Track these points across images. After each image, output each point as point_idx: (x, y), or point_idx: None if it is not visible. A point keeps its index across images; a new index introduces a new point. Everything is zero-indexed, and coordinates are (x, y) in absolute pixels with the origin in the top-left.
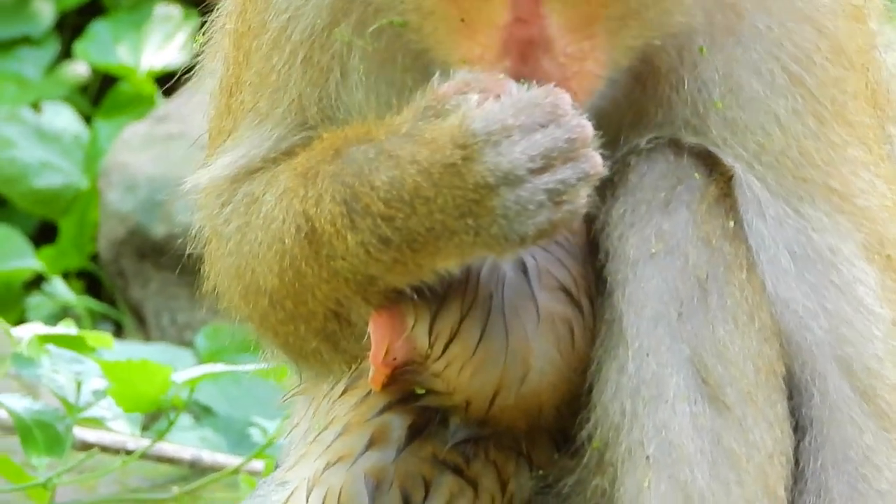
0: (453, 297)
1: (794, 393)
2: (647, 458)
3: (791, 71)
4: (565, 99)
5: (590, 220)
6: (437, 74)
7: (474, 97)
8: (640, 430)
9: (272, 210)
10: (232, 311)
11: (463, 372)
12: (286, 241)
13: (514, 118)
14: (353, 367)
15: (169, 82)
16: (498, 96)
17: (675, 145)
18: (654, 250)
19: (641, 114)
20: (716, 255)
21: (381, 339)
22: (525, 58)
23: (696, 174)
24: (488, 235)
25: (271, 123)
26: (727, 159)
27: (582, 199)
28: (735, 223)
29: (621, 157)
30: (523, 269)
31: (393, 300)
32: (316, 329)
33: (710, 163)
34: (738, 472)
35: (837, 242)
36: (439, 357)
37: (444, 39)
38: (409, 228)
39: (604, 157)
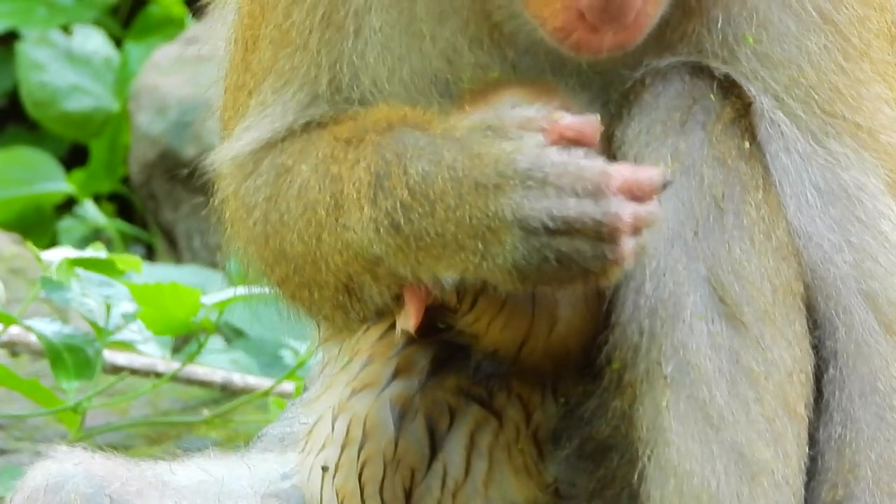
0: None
1: (819, 326)
2: (666, 377)
3: (821, 8)
4: (617, 182)
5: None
6: (510, 97)
7: (540, 138)
8: (658, 350)
9: (308, 180)
10: (253, 273)
11: (492, 326)
12: (318, 209)
13: (557, 176)
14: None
15: (199, 4)
16: (561, 147)
17: (692, 66)
18: (670, 170)
19: (667, 44)
20: (731, 174)
21: (412, 301)
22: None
23: (712, 95)
24: (493, 264)
25: (294, 87)
26: (751, 90)
27: (600, 276)
28: (751, 144)
29: (639, 77)
30: None
31: (404, 283)
32: (328, 298)
33: (726, 84)
34: (757, 391)
35: (863, 178)
36: (468, 312)
37: None
38: (422, 225)
39: (622, 77)
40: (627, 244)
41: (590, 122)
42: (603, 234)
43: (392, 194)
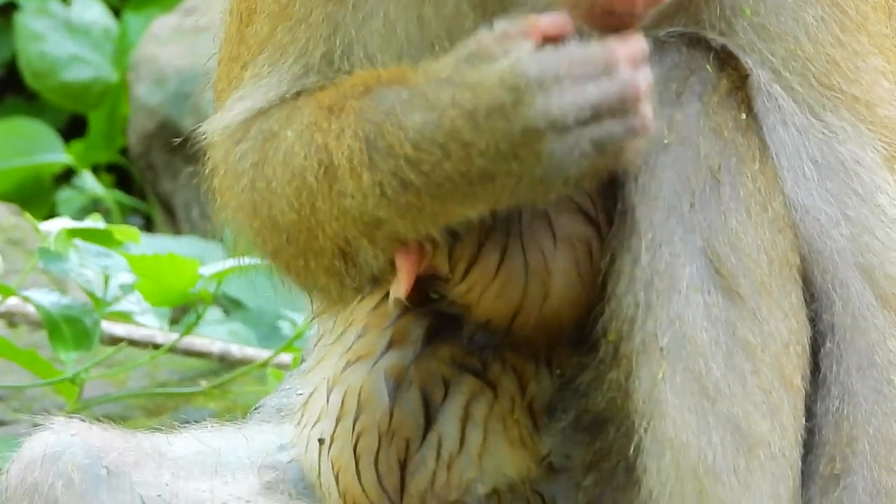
0: (471, 223)
1: (816, 299)
2: (661, 349)
3: None
4: (622, 53)
5: None
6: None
7: (528, 43)
8: (654, 322)
9: (293, 146)
10: (244, 245)
11: (484, 296)
12: (306, 176)
13: (567, 69)
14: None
15: None
16: (553, 44)
17: (689, 38)
18: (666, 141)
19: (664, 15)
20: (728, 146)
21: (404, 267)
22: None
23: (708, 66)
24: (531, 178)
25: (291, 59)
26: (748, 62)
27: (628, 151)
28: (747, 116)
29: None
30: None
31: (402, 244)
32: (324, 266)
33: (723, 56)
34: (753, 363)
35: (860, 151)
36: (460, 281)
37: None
38: (437, 173)
39: None
40: (649, 109)
41: (561, 17)
42: (627, 107)
43: (391, 153)
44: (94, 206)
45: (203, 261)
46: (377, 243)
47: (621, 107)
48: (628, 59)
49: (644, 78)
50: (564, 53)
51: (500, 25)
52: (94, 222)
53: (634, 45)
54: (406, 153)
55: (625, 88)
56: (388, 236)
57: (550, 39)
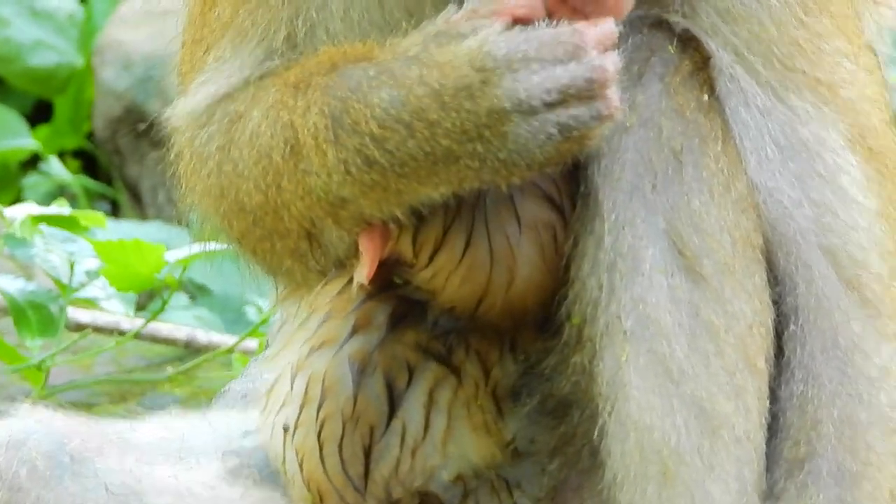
0: (436, 208)
1: (779, 282)
2: (625, 332)
3: None
4: (590, 37)
5: None
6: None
7: (497, 24)
8: (618, 305)
9: (259, 125)
10: (210, 229)
11: (449, 282)
12: (273, 156)
13: (536, 50)
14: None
15: None
16: (523, 26)
17: (652, 20)
18: (628, 123)
19: None
20: (690, 127)
21: (367, 250)
22: None
23: (670, 47)
24: (495, 161)
25: (253, 43)
26: (711, 45)
27: (593, 137)
28: (709, 96)
29: None
30: None
31: (366, 225)
32: (290, 248)
33: (685, 38)
34: (717, 344)
35: (822, 133)
36: (425, 267)
37: None
38: (402, 151)
39: None
40: (616, 94)
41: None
42: (594, 92)
43: (357, 131)
44: (60, 191)
45: (169, 246)
46: (342, 224)
47: (589, 91)
48: (597, 43)
49: (612, 63)
50: (534, 35)
51: (470, 4)
52: (60, 208)
53: (604, 28)
54: (371, 130)
55: (593, 73)
56: (353, 216)
57: (520, 20)
